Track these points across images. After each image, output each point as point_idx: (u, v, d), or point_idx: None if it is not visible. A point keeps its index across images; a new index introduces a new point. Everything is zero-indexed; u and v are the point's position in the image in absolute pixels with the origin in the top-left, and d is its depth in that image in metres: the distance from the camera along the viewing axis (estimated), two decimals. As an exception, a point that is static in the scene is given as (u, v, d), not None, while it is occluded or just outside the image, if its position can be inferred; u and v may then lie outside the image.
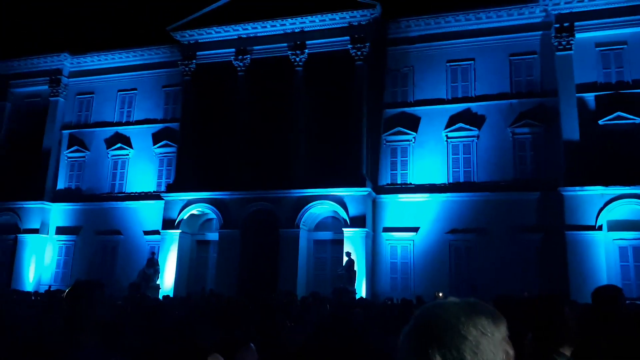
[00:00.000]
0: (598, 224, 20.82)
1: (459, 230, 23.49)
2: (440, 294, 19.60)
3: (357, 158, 24.12)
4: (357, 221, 23.30)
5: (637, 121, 21.75)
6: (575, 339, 3.00)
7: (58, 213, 29.70)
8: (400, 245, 24.29)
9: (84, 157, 30.22)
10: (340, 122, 25.14)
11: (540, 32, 24.07)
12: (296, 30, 26.17)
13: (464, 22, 25.10)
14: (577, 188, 21.15)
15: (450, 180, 24.23)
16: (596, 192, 20.95)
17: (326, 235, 25.36)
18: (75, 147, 30.36)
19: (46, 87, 31.19)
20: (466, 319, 1.16)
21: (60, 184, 30.21)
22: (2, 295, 18.96)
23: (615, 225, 21.08)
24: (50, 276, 28.90)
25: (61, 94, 31.05)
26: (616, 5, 22.35)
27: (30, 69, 31.65)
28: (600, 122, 22.15)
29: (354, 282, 21.37)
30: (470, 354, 1.12)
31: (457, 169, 24.32)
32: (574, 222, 21.05)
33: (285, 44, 26.28)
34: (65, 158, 30.51)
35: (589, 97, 22.56)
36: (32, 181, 29.56)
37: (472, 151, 24.29)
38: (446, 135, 24.64)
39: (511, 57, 24.38)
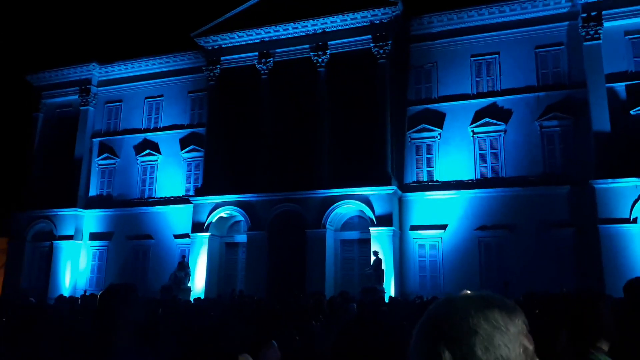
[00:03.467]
0: (633, 216, 20.27)
1: (488, 226, 23.18)
2: (468, 292, 19.35)
3: (382, 156, 24.04)
4: (384, 220, 23.22)
5: (671, 110, 21.11)
6: (612, 334, 2.95)
7: (91, 219, 30.47)
8: (429, 244, 24.10)
9: (114, 164, 30.91)
10: (364, 121, 25.10)
11: (566, 23, 23.57)
12: (318, 31, 26.24)
13: (487, 15, 24.76)
14: (610, 180, 20.64)
15: (478, 176, 23.93)
16: (630, 184, 20.40)
17: (353, 234, 25.35)
18: (105, 155, 31.09)
19: (76, 96, 32.02)
20: (476, 313, 1.10)
21: (92, 191, 30.97)
22: (56, 303, 19.50)
23: (651, 218, 20.48)
24: (85, 281, 29.67)
25: (91, 103, 31.84)
26: (646, -8, 21.73)
27: (61, 79, 32.55)
28: (632, 112, 21.58)
29: (382, 282, 21.30)
30: (481, 349, 1.06)
31: (485, 165, 24.01)
32: (607, 215, 20.54)
33: (307, 46, 26.38)
34: (96, 165, 31.27)
35: (620, 86, 21.99)
36: (65, 189, 30.38)
37: (500, 146, 23.94)
38: (472, 131, 24.35)
39: (537, 50, 23.94)
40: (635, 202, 20.26)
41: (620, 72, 22.07)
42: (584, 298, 3.15)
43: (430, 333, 1.11)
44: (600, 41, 22.19)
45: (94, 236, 30.26)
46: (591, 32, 22.33)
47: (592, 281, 19.51)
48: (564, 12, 23.63)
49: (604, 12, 22.23)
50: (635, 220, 20.27)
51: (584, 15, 22.51)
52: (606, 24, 22.20)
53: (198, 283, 25.29)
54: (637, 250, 20.01)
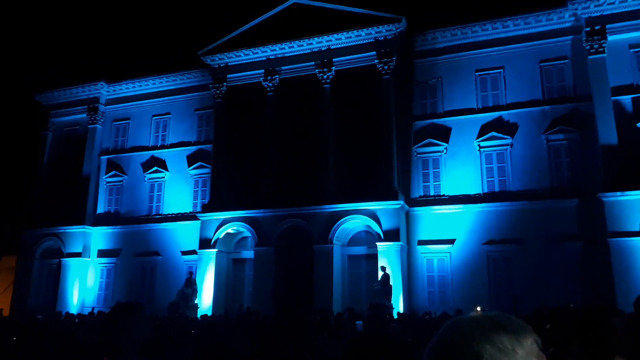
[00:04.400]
0: (643, 229, 20.07)
1: (497, 241, 23.04)
2: (478, 308, 19.18)
3: (388, 171, 24.06)
4: (391, 235, 23.15)
5: (677, 122, 21.02)
6: (628, 350, 2.93)
7: (99, 236, 30.58)
8: (437, 258, 23.96)
9: (121, 181, 31.11)
10: (369, 136, 25.18)
11: (570, 37, 23.66)
12: (323, 49, 26.48)
13: (491, 30, 24.91)
14: (618, 193, 20.51)
15: (485, 190, 23.86)
16: (638, 197, 20.26)
17: (360, 250, 25.27)
18: (113, 172, 31.31)
19: (84, 115, 32.39)
20: (481, 337, 1.07)
21: (100, 208, 31.14)
22: (60, 320, 19.49)
23: (661, 230, 20.29)
24: (93, 298, 29.68)
25: (99, 121, 32.18)
26: (649, 5, 21.81)
27: (69, 98, 32.97)
28: (639, 124, 21.50)
29: (391, 297, 21.15)
30: None
31: (492, 179, 23.95)
32: (616, 228, 20.37)
33: (312, 63, 26.61)
34: (104, 183, 31.48)
35: (626, 99, 21.96)
36: (73, 206, 30.58)
37: (506, 160, 23.90)
38: (478, 145, 24.34)
39: (542, 64, 24.01)
40: (645, 214, 20.08)
41: (626, 85, 22.06)
42: (598, 312, 3.14)
43: (437, 357, 1.09)
44: (604, 54, 22.23)
45: (101, 253, 30.34)
46: (595, 46, 22.39)
47: (602, 295, 19.27)
48: (567, 27, 23.73)
49: (607, 26, 22.31)
50: (645, 233, 20.06)
51: (588, 29, 22.59)
52: (610, 38, 22.26)
53: (205, 299, 25.23)
54: (647, 263, 19.78)
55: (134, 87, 31.90)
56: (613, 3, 22.29)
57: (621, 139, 21.21)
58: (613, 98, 21.82)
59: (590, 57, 22.48)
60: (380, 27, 25.31)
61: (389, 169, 24.10)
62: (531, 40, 24.20)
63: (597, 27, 22.43)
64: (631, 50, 22.27)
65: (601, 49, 22.29)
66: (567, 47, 23.77)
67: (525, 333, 1.10)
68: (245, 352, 4.29)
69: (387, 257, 22.79)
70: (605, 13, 22.41)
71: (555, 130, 23.22)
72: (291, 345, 5.39)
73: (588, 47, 22.52)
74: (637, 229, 20.10)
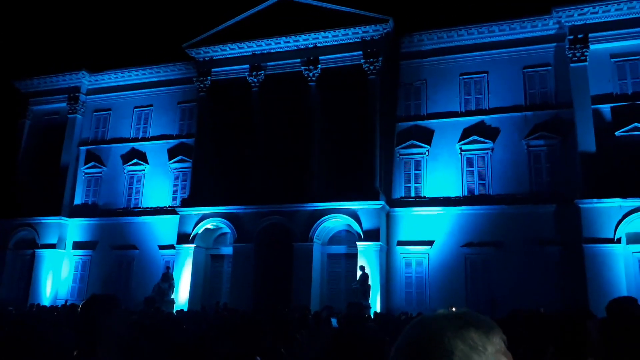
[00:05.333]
0: (617, 236, 20.47)
1: (475, 243, 23.27)
2: (454, 309, 19.33)
3: (371, 171, 24.11)
4: (371, 235, 23.22)
5: (654, 132, 21.47)
6: (600, 353, 2.96)
7: (75, 228, 30.07)
8: (415, 259, 24.11)
9: (100, 172, 30.63)
10: (353, 136, 25.21)
11: (554, 44, 23.99)
12: (309, 46, 26.41)
13: (476, 35, 25.13)
14: (595, 200, 20.87)
15: (465, 193, 24.08)
16: (614, 204, 20.64)
17: (340, 249, 25.30)
18: (92, 163, 30.81)
19: (64, 104, 31.79)
20: (452, 333, 1.07)
21: (77, 200, 30.62)
22: (27, 312, 19.11)
23: (635, 238, 20.74)
24: (66, 291, 29.18)
25: (79, 111, 31.62)
26: (631, 17, 22.24)
27: (49, 87, 32.32)
28: (617, 133, 21.91)
29: (369, 297, 21.22)
30: None
31: (472, 182, 24.17)
32: (591, 234, 20.73)
33: (298, 60, 26.52)
34: (83, 174, 30.96)
35: (605, 108, 22.36)
36: (49, 197, 29.99)
37: (487, 164, 24.14)
38: (460, 148, 24.55)
39: (525, 70, 24.31)
40: (619, 222, 20.48)
41: (606, 94, 22.46)
42: (572, 317, 3.16)
43: (407, 355, 1.07)
44: (586, 63, 22.59)
45: (77, 245, 29.83)
46: (578, 54, 22.74)
47: (576, 300, 19.61)
48: (551, 34, 24.06)
49: (590, 35, 22.68)
50: (619, 241, 20.47)
51: (571, 37, 22.93)
52: (592, 47, 22.64)
53: (182, 295, 25.00)
54: (620, 269, 20.19)
55: (117, 77, 31.43)
56: (596, 12, 22.67)
57: (599, 147, 21.58)
58: (593, 106, 22.19)
59: (572, 65, 22.83)
60: (367, 27, 25.34)
61: (371, 169, 24.16)
62: (515, 46, 24.48)
63: (580, 36, 22.79)
64: (612, 60, 22.68)
65: (583, 58, 22.65)
66: (551, 54, 24.10)
67: (493, 331, 1.10)
68: (222, 350, 4.23)
69: (367, 257, 22.85)
70: (588, 22, 22.78)
71: (536, 136, 23.54)
72: (270, 341, 5.34)
73: (570, 55, 22.87)
74: (611, 236, 20.48)
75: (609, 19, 22.54)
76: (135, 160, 29.80)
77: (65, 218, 29.89)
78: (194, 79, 28.54)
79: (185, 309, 21.85)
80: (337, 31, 25.74)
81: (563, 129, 23.03)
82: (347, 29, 25.58)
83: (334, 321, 9.07)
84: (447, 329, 1.07)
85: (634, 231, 20.66)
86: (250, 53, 27.44)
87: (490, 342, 1.08)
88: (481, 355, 1.06)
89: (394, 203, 24.72)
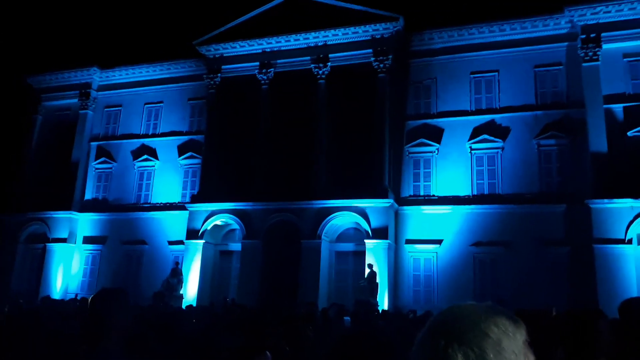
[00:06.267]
0: (628, 237, 20.29)
1: (484, 243, 23.17)
2: (457, 306, 19.21)
3: (380, 169, 24.07)
4: (379, 233, 23.19)
5: (667, 132, 21.24)
6: (612, 353, 2.93)
7: (85, 223, 30.33)
8: (424, 258, 24.06)
9: (111, 168, 30.85)
10: (362, 133, 25.17)
11: (565, 43, 23.78)
12: (319, 44, 26.39)
13: (487, 33, 24.96)
14: (606, 200, 20.69)
15: (474, 192, 23.96)
16: (625, 205, 20.45)
17: (348, 246, 25.29)
18: (102, 159, 31.04)
19: (76, 100, 32.03)
20: (487, 317, 1.12)
21: (88, 195, 30.87)
22: (38, 305, 19.30)
23: (646, 239, 20.53)
24: (77, 285, 29.45)
25: (90, 107, 31.85)
26: (644, 16, 21.98)
27: (61, 82, 32.58)
28: (629, 133, 21.70)
29: (376, 295, 21.20)
30: (492, 352, 1.07)
31: (482, 181, 24.05)
32: (602, 235, 20.56)
33: (308, 57, 26.51)
34: (93, 169, 31.20)
35: (617, 108, 22.14)
36: (60, 192, 30.25)
37: (497, 163, 24.01)
38: (470, 147, 24.43)
39: (536, 69, 24.12)
40: (631, 223, 20.30)
41: (618, 94, 22.23)
42: (583, 316, 3.13)
43: (442, 335, 1.10)
44: (598, 62, 22.38)
45: (87, 240, 30.09)
46: (590, 54, 22.53)
47: (586, 300, 19.47)
48: (563, 33, 23.84)
49: (602, 34, 22.45)
50: (630, 241, 20.29)
51: (583, 36, 22.71)
52: (605, 46, 22.41)
53: (190, 290, 25.13)
54: (631, 271, 20.01)
55: (127, 74, 31.61)
56: (609, 12, 22.44)
57: (611, 147, 21.39)
58: (605, 106, 21.98)
59: (584, 64, 22.61)
60: (377, 25, 25.27)
61: (380, 167, 24.11)
62: (527, 45, 24.29)
63: (592, 35, 22.57)
64: (625, 60, 22.44)
65: (595, 57, 22.44)
66: (562, 53, 23.89)
67: (520, 322, 1.16)
68: (230, 345, 4.26)
69: (375, 255, 22.83)
70: (601, 21, 22.55)
71: (547, 136, 23.36)
72: (278, 338, 5.36)
73: (583, 54, 22.66)
74: (622, 237, 20.30)
75: (622, 19, 22.29)
76: (145, 156, 29.98)
77: (75, 213, 30.15)
78: (204, 75, 28.64)
79: (194, 305, 21.97)
80: (347, 29, 25.69)
81: (574, 129, 22.83)
82: (357, 27, 25.52)
83: (346, 320, 9.08)
84: (483, 313, 1.13)
85: (646, 232, 20.45)
86: (260, 50, 27.47)
87: (519, 331, 1.13)
88: (511, 341, 1.10)
89: (403, 201, 24.67)
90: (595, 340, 2.96)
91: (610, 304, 17.34)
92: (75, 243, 30.05)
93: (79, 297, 21.30)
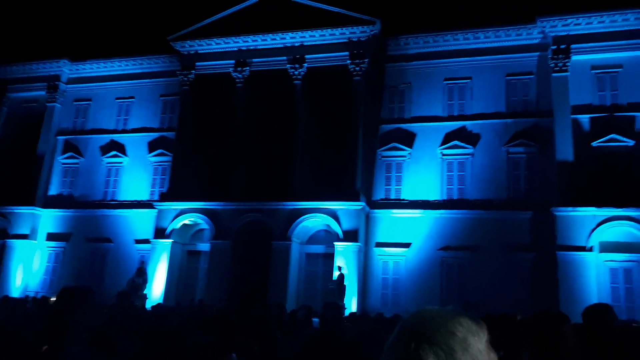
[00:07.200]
0: (589, 244, 20.87)
1: (452, 247, 23.48)
2: (423, 310, 19.43)
3: (352, 172, 24.16)
4: (350, 235, 23.25)
5: (630, 144, 21.95)
6: (576, 356, 2.98)
7: (49, 219, 29.48)
8: (392, 261, 24.23)
9: (77, 163, 30.09)
10: (336, 135, 25.23)
11: (537, 53, 24.35)
12: (296, 44, 26.35)
13: (462, 41, 25.36)
14: (570, 208, 21.24)
15: (444, 197, 24.28)
16: (588, 213, 21.04)
17: (318, 248, 25.28)
18: (69, 154, 30.24)
19: (44, 92, 31.14)
20: (452, 318, 1.20)
21: (53, 190, 30.03)
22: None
23: (607, 247, 21.14)
24: (37, 283, 28.58)
25: (58, 100, 31.02)
26: (612, 29, 22.71)
27: (29, 74, 31.65)
28: (594, 143, 22.33)
29: (344, 297, 21.23)
30: (460, 350, 1.14)
31: (451, 186, 24.39)
32: (565, 242, 21.10)
33: (284, 57, 26.43)
34: (59, 164, 30.37)
35: (584, 118, 22.77)
36: (24, 186, 29.34)
37: (467, 169, 24.38)
38: (441, 152, 24.75)
39: (508, 77, 24.61)
40: (593, 231, 20.89)
41: (585, 105, 22.87)
42: (549, 320, 3.17)
43: (412, 337, 1.16)
44: (567, 73, 22.99)
45: (51, 236, 29.24)
46: (560, 64, 23.13)
47: (548, 305, 19.92)
48: (535, 43, 24.41)
49: (572, 46, 23.08)
50: (591, 249, 20.88)
51: (554, 47, 23.31)
52: (574, 57, 23.05)
53: (156, 290, 24.69)
54: (591, 277, 20.59)
55: (99, 67, 30.92)
56: (579, 24, 23.10)
57: (577, 156, 21.98)
58: (572, 116, 22.59)
59: (554, 74, 23.20)
60: (354, 28, 25.38)
61: (352, 169, 24.20)
62: (499, 54, 24.77)
63: (562, 46, 23.18)
64: (592, 71, 23.11)
65: (565, 68, 23.05)
66: (533, 63, 24.45)
67: (482, 324, 1.24)
68: (198, 345, 4.17)
69: (345, 257, 22.88)
70: (571, 33, 23.18)
71: (516, 144, 23.85)
72: (245, 338, 5.29)
73: (553, 64, 23.24)
74: (584, 244, 20.88)
75: (591, 31, 22.98)
76: (114, 152, 29.35)
77: (39, 208, 29.28)
78: (178, 72, 28.24)
79: (159, 304, 21.57)
80: (324, 31, 25.72)
81: (542, 137, 23.38)
82: (334, 29, 25.58)
83: (315, 321, 9.05)
84: (448, 315, 1.21)
85: (607, 240, 21.08)
86: (236, 49, 27.26)
87: (482, 331, 1.22)
88: (476, 339, 1.18)
89: (374, 204, 24.81)
90: (560, 343, 3.00)
91: (571, 309, 17.76)
92: (37, 240, 29.16)
93: (39, 296, 20.67)
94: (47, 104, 30.90)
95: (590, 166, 21.87)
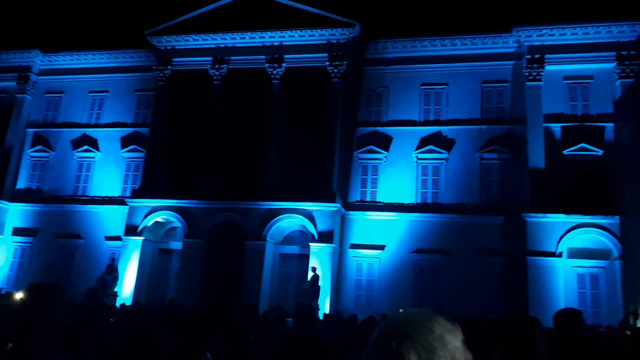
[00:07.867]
0: (558, 250, 21.36)
1: (425, 250, 23.71)
2: (401, 310, 19.59)
3: (328, 173, 24.17)
4: (325, 236, 23.26)
5: (599, 153, 22.54)
6: (545, 358, 3.01)
7: (15, 213, 28.67)
8: (366, 263, 24.34)
9: (47, 157, 29.36)
10: (313, 137, 25.21)
11: (512, 62, 24.81)
12: (275, 44, 26.25)
13: (439, 47, 25.65)
14: (540, 215, 21.69)
15: (418, 201, 24.50)
16: (558, 220, 21.52)
17: (293, 249, 25.22)
18: (39, 147, 29.49)
19: (14, 83, 30.30)
20: (430, 318, 1.29)
21: (21, 184, 29.22)
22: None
23: (575, 253, 21.67)
24: (2, 278, 27.76)
25: (29, 92, 30.22)
26: (585, 41, 23.33)
27: (-2, 64, 30.76)
28: (565, 152, 22.86)
29: (318, 298, 21.22)
30: (438, 346, 1.22)
31: (426, 190, 24.64)
32: (535, 247, 21.54)
33: (263, 56, 26.31)
34: (28, 157, 29.59)
35: (556, 127, 23.29)
36: (-10, 179, 28.50)
37: (441, 173, 24.67)
38: (416, 156, 24.98)
39: (483, 84, 25.00)
40: (562, 237, 21.39)
41: (557, 114, 23.40)
42: (521, 323, 3.21)
43: (393, 337, 1.24)
44: (541, 82, 23.50)
45: (17, 231, 28.44)
46: (534, 74, 23.63)
47: (517, 309, 20.28)
48: (510, 52, 24.86)
49: (546, 56, 23.61)
50: (560, 255, 21.38)
51: (529, 56, 23.80)
52: (548, 67, 23.57)
53: (126, 288, 24.26)
54: (559, 282, 21.07)
55: (72, 59, 30.23)
56: (553, 35, 23.64)
57: (548, 164, 22.47)
58: (544, 124, 23.09)
59: (528, 83, 23.68)
60: (334, 30, 25.43)
61: (329, 171, 24.22)
62: (476, 61, 25.15)
63: (537, 56, 23.69)
64: (565, 82, 23.67)
65: (539, 77, 23.55)
66: (509, 71, 24.91)
67: (457, 325, 1.32)
68: (170, 345, 4.10)
69: (319, 258, 22.87)
70: (545, 43, 23.71)
71: (490, 150, 24.25)
72: (217, 338, 5.22)
73: (527, 73, 23.72)
74: (554, 250, 21.35)
75: (564, 42, 23.56)
76: (85, 147, 28.72)
77: (5, 202, 28.47)
78: (154, 67, 27.82)
79: (129, 303, 21.21)
80: (303, 31, 25.69)
81: (515, 145, 23.82)
82: (313, 30, 25.58)
83: (289, 321, 9.01)
84: (426, 315, 1.30)
85: (575, 246, 21.60)
86: (214, 45, 27.00)
87: (458, 330, 1.30)
88: (453, 337, 1.26)
89: (350, 206, 24.88)
90: (531, 346, 3.04)
91: (539, 313, 18.13)
92: (3, 234, 28.33)
93: (3, 292, 20.10)
94: (17, 95, 30.08)
95: (561, 174, 22.37)
